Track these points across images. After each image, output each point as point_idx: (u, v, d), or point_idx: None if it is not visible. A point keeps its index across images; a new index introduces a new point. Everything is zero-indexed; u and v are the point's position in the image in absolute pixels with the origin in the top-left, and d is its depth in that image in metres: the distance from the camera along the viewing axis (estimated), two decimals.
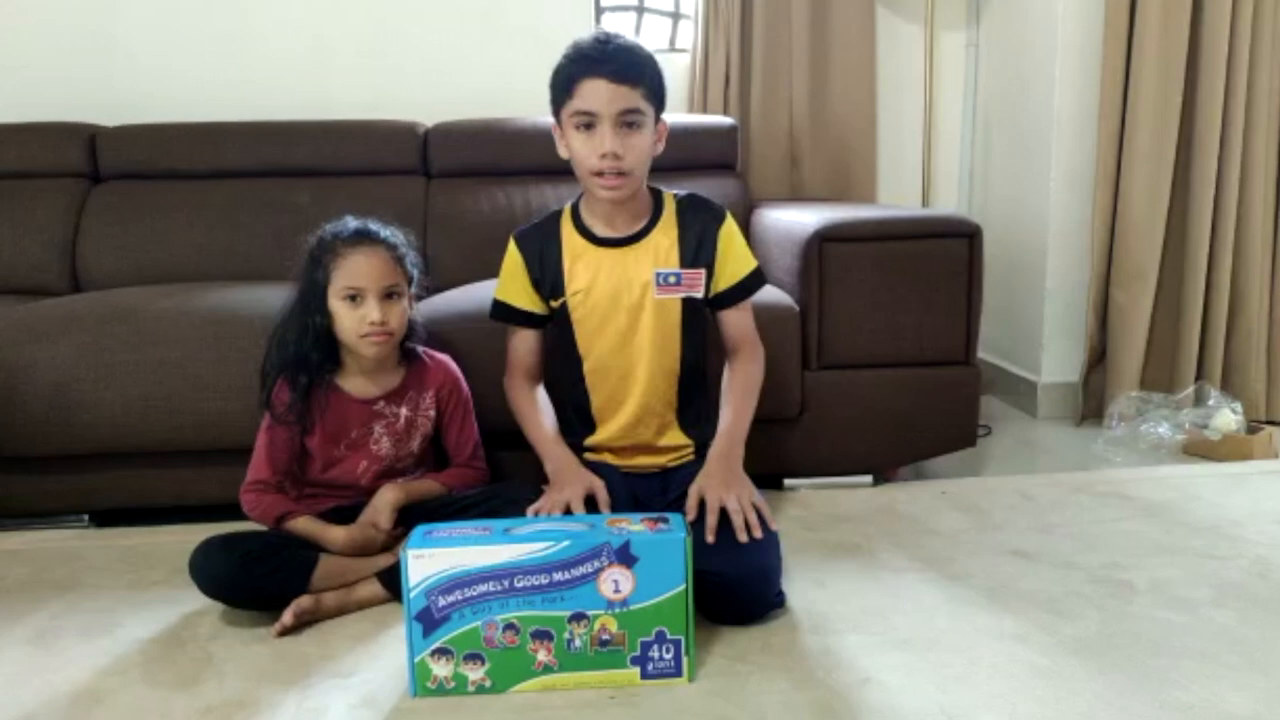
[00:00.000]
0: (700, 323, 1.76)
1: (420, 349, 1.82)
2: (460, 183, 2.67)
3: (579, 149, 1.62)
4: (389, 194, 2.57)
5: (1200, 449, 2.37)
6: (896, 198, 3.10)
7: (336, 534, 1.64)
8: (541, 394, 1.81)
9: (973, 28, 3.10)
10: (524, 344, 1.80)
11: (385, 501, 1.68)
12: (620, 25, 3.05)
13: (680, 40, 3.08)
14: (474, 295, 2.07)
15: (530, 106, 2.69)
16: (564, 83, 1.61)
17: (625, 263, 1.72)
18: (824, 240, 2.06)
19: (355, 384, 1.74)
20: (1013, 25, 2.91)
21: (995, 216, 2.98)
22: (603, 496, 1.57)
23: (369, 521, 1.67)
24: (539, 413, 1.76)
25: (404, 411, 1.76)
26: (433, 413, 1.80)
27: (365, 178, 2.63)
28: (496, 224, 2.54)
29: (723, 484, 1.56)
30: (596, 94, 1.57)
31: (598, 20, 2.97)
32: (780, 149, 2.95)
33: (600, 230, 1.73)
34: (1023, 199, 2.87)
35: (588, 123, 1.60)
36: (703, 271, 1.73)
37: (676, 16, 3.09)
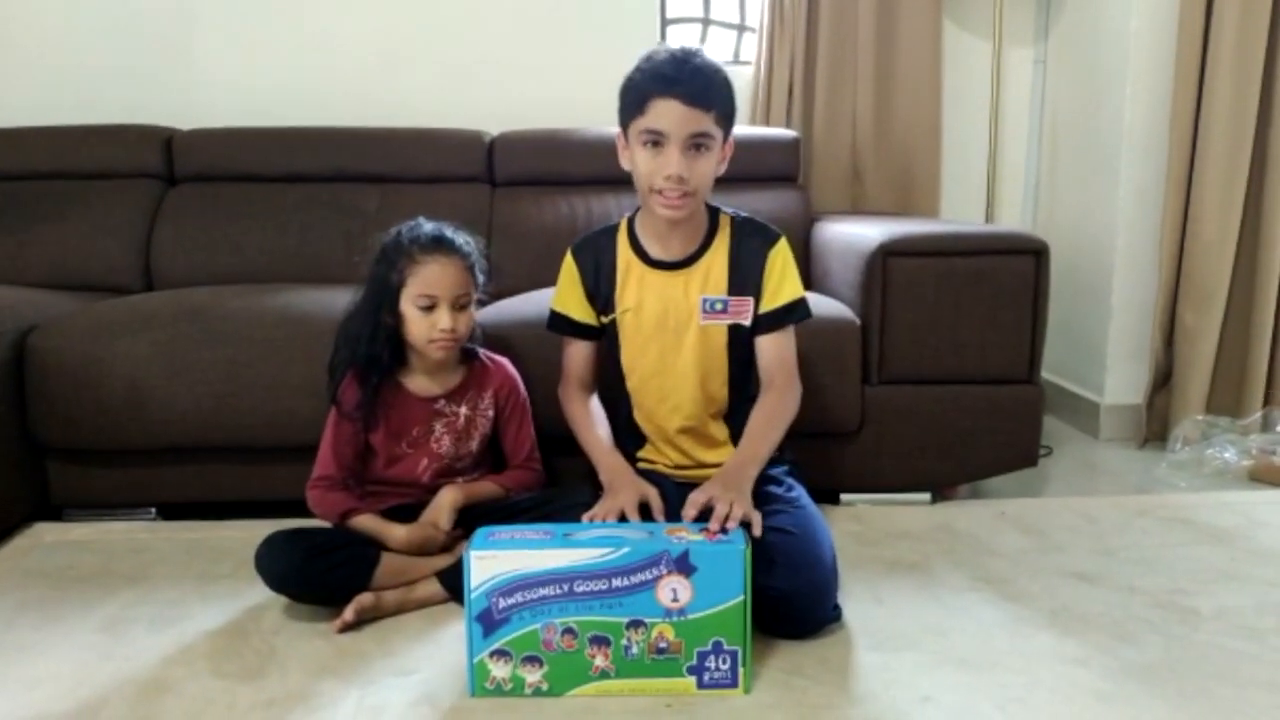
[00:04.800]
0: (749, 350, 1.75)
1: (480, 351, 1.85)
2: (524, 191, 2.71)
3: (643, 165, 1.62)
4: (454, 201, 2.60)
5: (1267, 474, 2.31)
6: (960, 213, 3.07)
7: (398, 532, 1.67)
8: (595, 403, 1.81)
9: (1041, 43, 3.07)
10: (579, 354, 1.81)
11: (446, 502, 1.71)
12: (686, 37, 3.06)
13: (744, 53, 3.09)
14: (536, 302, 2.09)
15: (594, 118, 2.72)
16: (635, 98, 1.60)
17: (674, 286, 1.72)
18: (887, 254, 2.05)
19: (418, 383, 1.77)
20: (1082, 41, 2.87)
21: (1061, 233, 2.94)
22: (656, 504, 1.56)
23: (430, 521, 1.69)
24: (593, 421, 1.77)
25: (464, 410, 1.79)
26: (491, 413, 1.83)
27: (431, 185, 2.68)
28: (559, 232, 2.57)
29: (720, 487, 1.49)
30: (669, 115, 1.56)
31: (663, 32, 2.99)
32: (843, 162, 2.95)
33: (654, 250, 1.73)
34: (1089, 216, 2.83)
35: (655, 141, 1.58)
36: (750, 300, 1.71)
37: (741, 29, 3.10)
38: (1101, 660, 1.44)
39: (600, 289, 1.76)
